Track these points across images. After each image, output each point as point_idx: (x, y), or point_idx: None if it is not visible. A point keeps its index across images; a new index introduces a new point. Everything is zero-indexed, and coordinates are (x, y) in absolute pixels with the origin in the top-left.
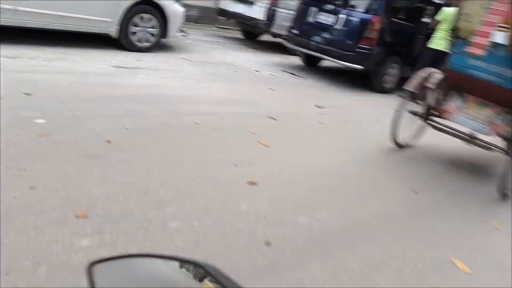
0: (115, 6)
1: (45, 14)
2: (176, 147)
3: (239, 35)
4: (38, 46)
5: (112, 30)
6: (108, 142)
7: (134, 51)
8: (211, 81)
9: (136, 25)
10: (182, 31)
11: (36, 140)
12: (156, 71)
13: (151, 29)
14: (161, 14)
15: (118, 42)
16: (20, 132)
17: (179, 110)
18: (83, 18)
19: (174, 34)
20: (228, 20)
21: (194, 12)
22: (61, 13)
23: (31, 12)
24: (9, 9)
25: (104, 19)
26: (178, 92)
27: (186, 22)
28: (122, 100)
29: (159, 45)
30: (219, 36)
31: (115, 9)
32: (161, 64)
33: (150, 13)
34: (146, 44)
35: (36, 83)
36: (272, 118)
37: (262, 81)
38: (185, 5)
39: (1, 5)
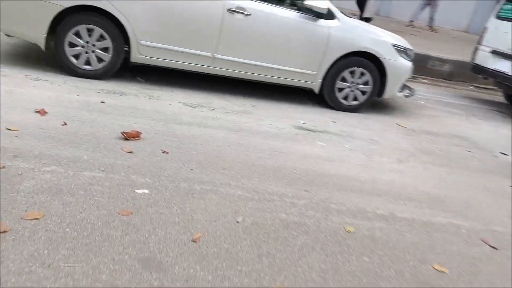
0: (321, 57)
1: (244, 63)
2: (284, 271)
3: (501, 99)
4: (231, 95)
5: (315, 84)
6: (193, 241)
7: (338, 110)
8: (416, 161)
9: (344, 80)
10: (407, 88)
11: (109, 220)
12: (345, 139)
13: (363, 86)
14: (378, 68)
15: (321, 97)
16: (103, 204)
17: (335, 202)
18: (283, 70)
19: (393, 93)
20: (485, 79)
21: (445, 67)
22: (260, 63)
23: (230, 60)
24: (208, 57)
25: (307, 71)
26: (353, 173)
27: (434, 78)
28: (266, 175)
29: (374, 105)
30: (470, 99)
31: (321, 61)
32: (359, 130)
33: (363, 67)
34: (354, 103)
35: (187, 139)
36: (489, 246)
37: (503, 172)
38: (435, 59)
39: (201, 52)
